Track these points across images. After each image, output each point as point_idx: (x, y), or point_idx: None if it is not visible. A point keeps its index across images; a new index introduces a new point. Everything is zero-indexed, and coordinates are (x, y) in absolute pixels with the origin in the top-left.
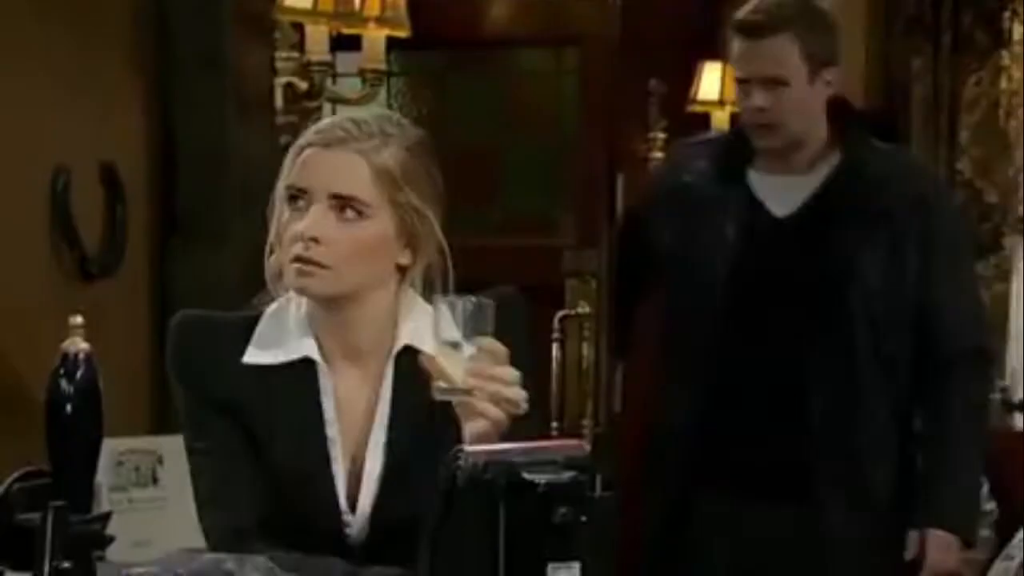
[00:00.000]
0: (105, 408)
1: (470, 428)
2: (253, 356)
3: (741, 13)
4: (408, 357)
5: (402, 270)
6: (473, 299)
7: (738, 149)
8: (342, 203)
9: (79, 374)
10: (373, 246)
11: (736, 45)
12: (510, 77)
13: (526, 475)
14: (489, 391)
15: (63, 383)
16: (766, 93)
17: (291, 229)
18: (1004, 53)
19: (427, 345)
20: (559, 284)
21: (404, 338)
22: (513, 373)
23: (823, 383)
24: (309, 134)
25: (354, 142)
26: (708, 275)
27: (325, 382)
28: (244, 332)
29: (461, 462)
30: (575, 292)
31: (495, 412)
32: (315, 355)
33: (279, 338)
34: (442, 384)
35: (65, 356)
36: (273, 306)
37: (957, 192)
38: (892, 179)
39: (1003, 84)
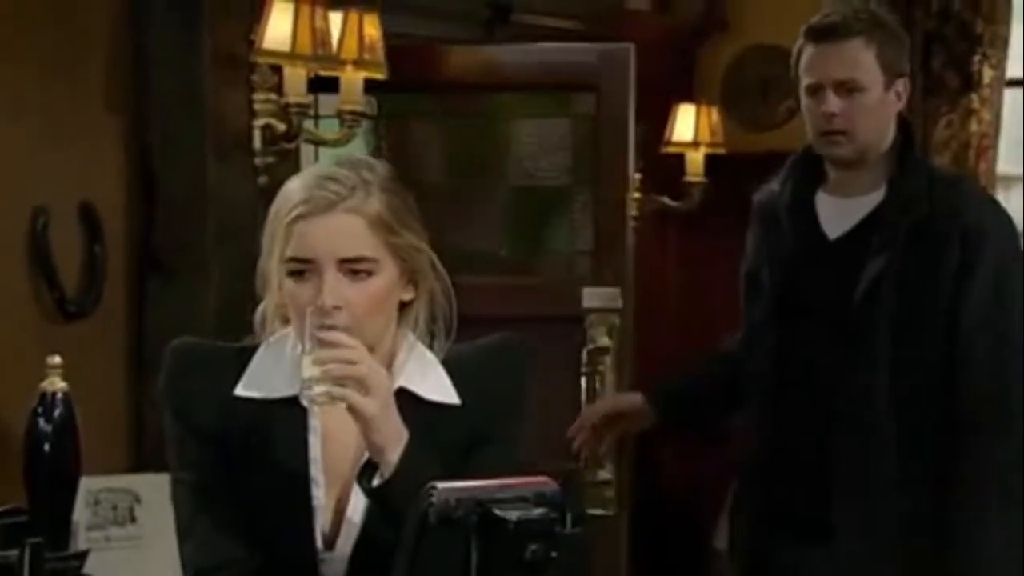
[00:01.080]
0: (83, 447)
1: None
2: (244, 390)
3: (814, 20)
4: (402, 400)
5: (404, 306)
6: None
7: (808, 169)
8: (351, 265)
9: (57, 413)
10: (384, 296)
11: (808, 51)
12: (522, 119)
13: (497, 512)
14: (333, 375)
15: (41, 422)
16: (839, 98)
17: (302, 299)
18: (974, 96)
19: (423, 389)
20: (580, 319)
21: (399, 381)
22: (355, 354)
23: (842, 409)
24: (295, 204)
25: (342, 202)
26: (766, 297)
27: (314, 421)
28: (238, 364)
29: (433, 499)
30: (596, 327)
31: (339, 392)
32: None
33: (272, 374)
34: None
35: (43, 395)
36: (271, 339)
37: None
38: (940, 208)
39: (973, 126)
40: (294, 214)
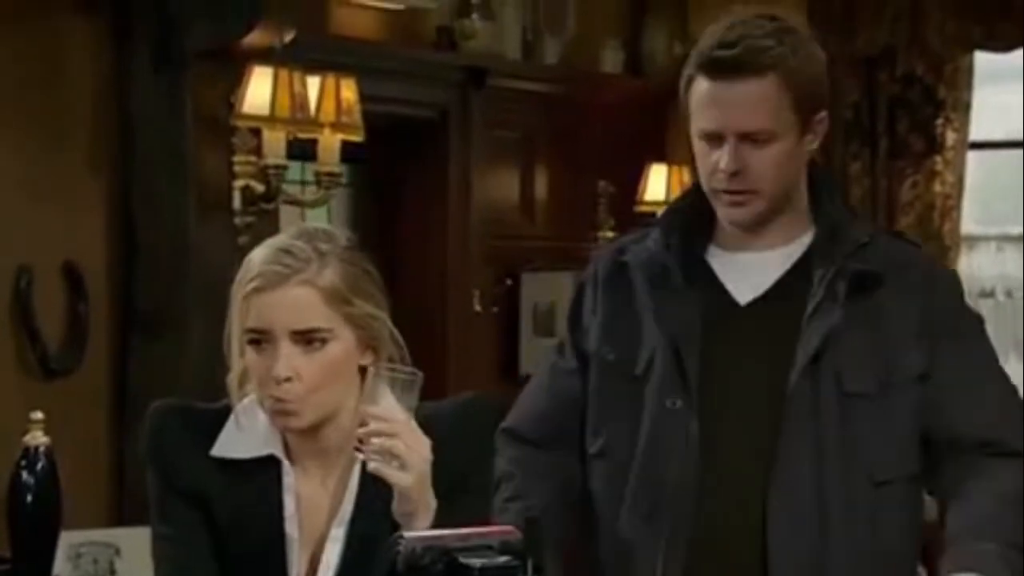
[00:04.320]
0: (65, 501)
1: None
2: (220, 450)
3: (711, 41)
4: None
5: (364, 370)
6: (407, 371)
7: (696, 220)
8: (305, 336)
9: (39, 466)
10: (340, 364)
11: (702, 87)
12: None
13: (462, 559)
14: (372, 449)
15: (24, 475)
16: (743, 151)
17: (260, 368)
18: (938, 159)
19: None
20: None
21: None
22: (394, 427)
23: (787, 496)
24: (252, 277)
25: (296, 275)
26: (664, 383)
27: (288, 479)
28: (216, 425)
29: (400, 547)
30: None
31: (373, 466)
32: (279, 453)
33: (247, 434)
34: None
35: (26, 449)
36: (246, 401)
37: None
38: (874, 249)
39: (937, 188)
40: (249, 287)
